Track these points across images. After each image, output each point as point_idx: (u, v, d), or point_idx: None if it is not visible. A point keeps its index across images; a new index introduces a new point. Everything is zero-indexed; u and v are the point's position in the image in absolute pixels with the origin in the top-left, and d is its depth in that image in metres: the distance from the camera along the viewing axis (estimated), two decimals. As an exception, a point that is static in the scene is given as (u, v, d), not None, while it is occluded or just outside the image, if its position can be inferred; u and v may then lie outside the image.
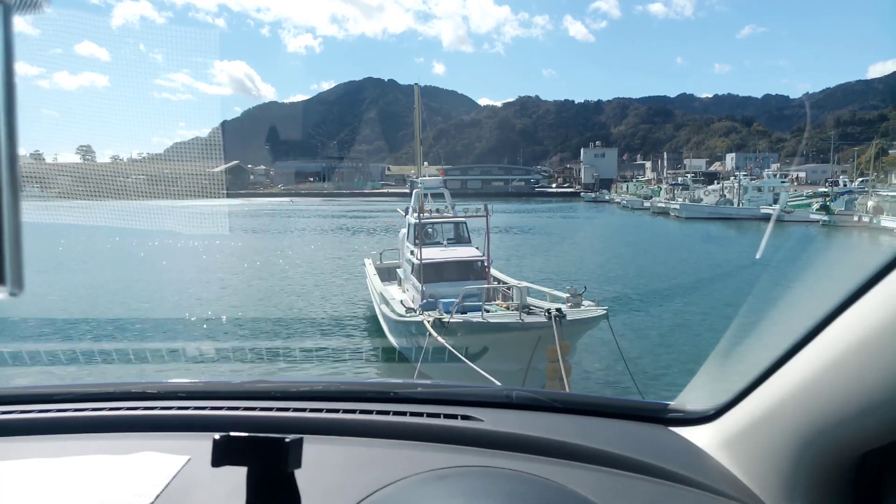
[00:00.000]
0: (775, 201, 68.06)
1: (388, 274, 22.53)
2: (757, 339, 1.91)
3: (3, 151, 0.75)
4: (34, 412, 2.08)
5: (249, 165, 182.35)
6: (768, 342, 1.70)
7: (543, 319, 12.78)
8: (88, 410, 2.08)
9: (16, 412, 2.08)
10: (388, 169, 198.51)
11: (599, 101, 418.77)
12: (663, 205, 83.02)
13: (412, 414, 1.98)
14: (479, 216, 19.28)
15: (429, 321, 13.16)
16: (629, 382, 12.66)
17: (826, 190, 73.53)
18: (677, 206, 76.14)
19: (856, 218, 55.21)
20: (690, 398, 2.00)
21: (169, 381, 2.38)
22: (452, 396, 2.19)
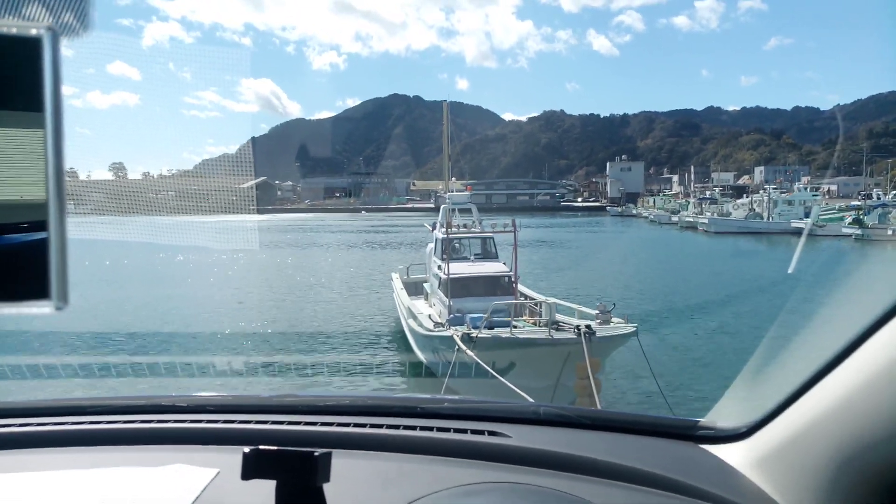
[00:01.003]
0: (807, 215, 66.83)
1: (415, 288, 22.57)
2: (790, 356, 1.88)
3: (50, 173, 0.78)
4: (68, 424, 2.12)
5: (277, 181, 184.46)
6: (801, 359, 1.67)
7: (572, 336, 12.71)
8: (121, 423, 2.12)
9: (50, 424, 2.12)
10: (414, 184, 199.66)
11: (625, 115, 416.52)
12: (691, 219, 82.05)
13: (439, 429, 1.98)
14: (507, 231, 19.22)
15: (458, 336, 13.16)
16: (660, 399, 12.49)
17: (859, 203, 71.96)
18: (706, 221, 75.16)
19: (890, 231, 54.03)
20: (722, 415, 1.97)
21: (199, 394, 2.41)
22: (479, 412, 2.18)
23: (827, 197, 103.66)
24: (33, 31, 0.77)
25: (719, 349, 17.75)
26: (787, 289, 20.66)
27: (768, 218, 71.72)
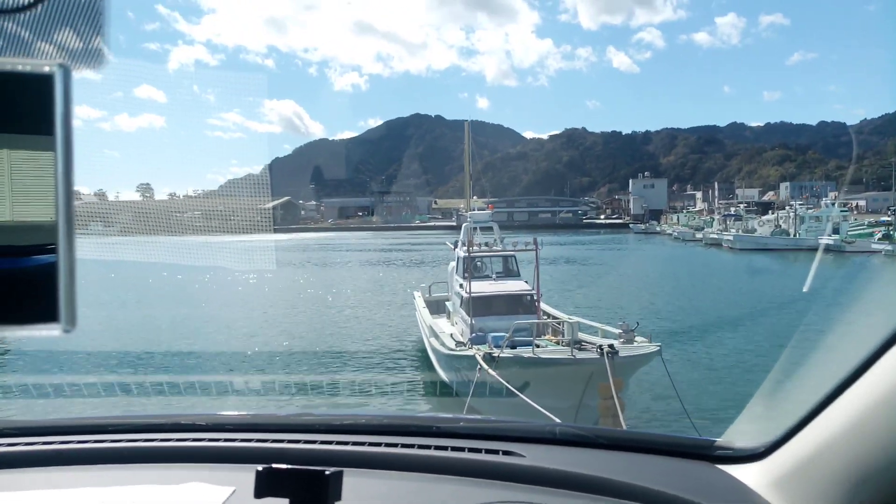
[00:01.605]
0: (835, 231, 65.62)
1: (437, 307, 22.51)
2: (808, 374, 1.85)
3: (60, 202, 0.80)
4: (90, 442, 2.15)
5: (301, 201, 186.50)
6: (819, 377, 1.65)
7: (595, 355, 12.60)
8: (141, 441, 2.15)
9: (73, 442, 2.15)
10: (435, 203, 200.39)
11: (647, 132, 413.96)
12: (716, 236, 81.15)
13: (454, 448, 1.98)
14: (529, 249, 19.14)
15: (480, 355, 13.11)
16: (684, 419, 12.31)
17: (889, 218, 70.71)
18: (731, 237, 74.21)
19: (921, 247, 53.01)
20: (739, 434, 1.95)
21: (217, 413, 2.43)
22: (495, 432, 2.18)
23: (855, 212, 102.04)
24: (45, 69, 0.79)
25: (746, 368, 17.48)
26: (812, 306, 20.32)
27: (795, 234, 70.72)
